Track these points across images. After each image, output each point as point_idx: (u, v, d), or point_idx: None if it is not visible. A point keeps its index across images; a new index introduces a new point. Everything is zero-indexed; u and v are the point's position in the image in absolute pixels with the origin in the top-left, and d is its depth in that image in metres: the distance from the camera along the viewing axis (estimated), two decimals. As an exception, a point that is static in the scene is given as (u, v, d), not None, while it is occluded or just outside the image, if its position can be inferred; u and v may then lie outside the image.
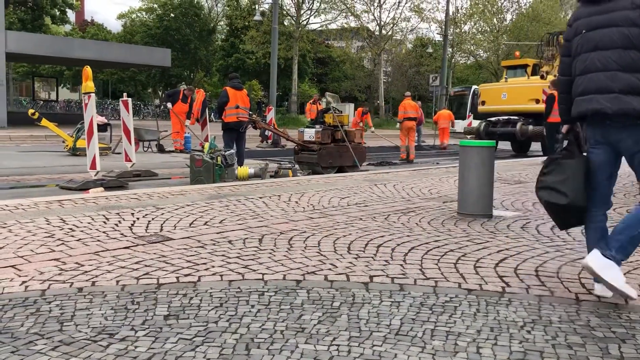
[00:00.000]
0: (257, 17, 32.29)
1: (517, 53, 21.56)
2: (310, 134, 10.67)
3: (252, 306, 2.96)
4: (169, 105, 14.97)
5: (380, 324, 2.74)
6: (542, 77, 16.35)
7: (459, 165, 5.87)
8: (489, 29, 45.11)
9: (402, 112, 15.77)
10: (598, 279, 3.07)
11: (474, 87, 31.28)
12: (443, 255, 4.07)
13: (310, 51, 42.30)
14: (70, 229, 4.66)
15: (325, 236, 4.59)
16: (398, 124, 16.05)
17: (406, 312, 2.91)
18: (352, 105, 33.52)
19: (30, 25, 38.04)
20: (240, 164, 9.71)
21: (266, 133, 18.51)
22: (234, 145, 9.88)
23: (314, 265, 3.73)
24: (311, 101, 21.83)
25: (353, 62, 47.33)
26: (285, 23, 37.59)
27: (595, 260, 3.02)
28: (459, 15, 42.91)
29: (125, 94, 9.85)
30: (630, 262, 3.96)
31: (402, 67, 48.19)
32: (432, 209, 6.03)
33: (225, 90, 9.97)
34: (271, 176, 9.39)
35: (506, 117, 17.91)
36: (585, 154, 3.29)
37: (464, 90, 34.15)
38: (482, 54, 46.89)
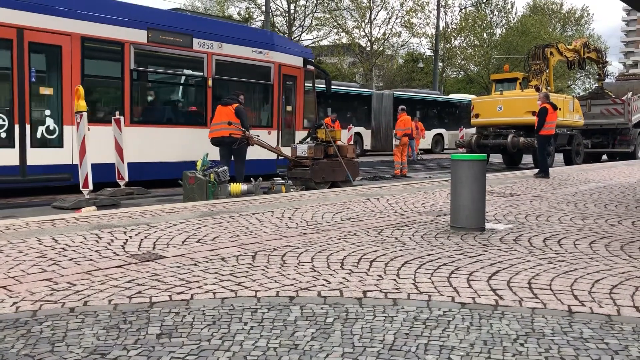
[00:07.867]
0: (249, 34, 32.53)
1: (506, 67, 21.81)
2: (303, 149, 10.71)
3: (245, 323, 2.95)
4: None
5: (374, 339, 2.74)
6: (537, 90, 16.43)
7: (450, 179, 5.90)
8: (478, 43, 45.65)
9: (401, 129, 15.14)
10: None
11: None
12: (436, 269, 4.07)
13: (302, 67, 42.60)
14: (62, 248, 4.64)
15: (319, 252, 4.58)
16: (397, 140, 15.50)
17: (400, 327, 2.91)
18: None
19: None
20: (240, 181, 9.61)
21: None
22: (230, 160, 9.81)
23: (307, 281, 3.73)
24: None
25: (345, 78, 47.64)
26: (277, 40, 37.87)
27: None
28: (449, 30, 43.43)
29: (117, 112, 9.81)
30: (622, 273, 3.98)
31: (394, 82, 48.55)
32: (425, 222, 6.04)
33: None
34: (264, 192, 9.39)
35: (497, 130, 18.03)
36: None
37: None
38: (472, 68, 47.39)
